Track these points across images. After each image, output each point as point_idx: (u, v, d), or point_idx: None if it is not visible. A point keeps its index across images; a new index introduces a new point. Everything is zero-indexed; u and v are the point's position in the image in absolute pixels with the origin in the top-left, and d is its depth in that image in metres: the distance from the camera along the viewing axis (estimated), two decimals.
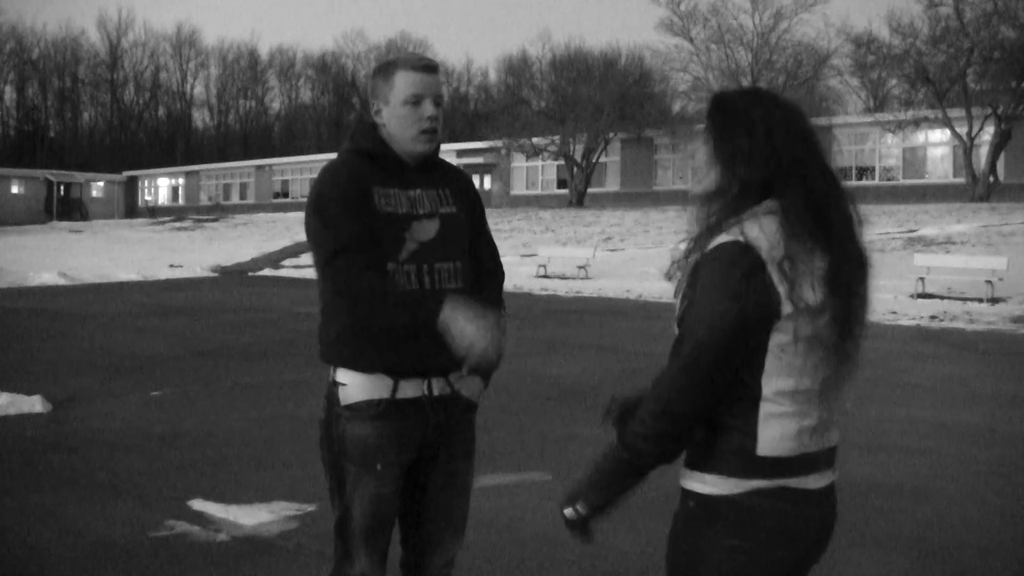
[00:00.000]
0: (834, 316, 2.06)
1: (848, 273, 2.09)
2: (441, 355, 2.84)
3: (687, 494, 2.14)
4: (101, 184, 67.61)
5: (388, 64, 2.97)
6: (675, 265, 2.17)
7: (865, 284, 2.15)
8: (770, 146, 2.08)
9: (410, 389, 2.86)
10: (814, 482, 2.12)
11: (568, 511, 2.16)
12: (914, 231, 26.66)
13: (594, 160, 44.75)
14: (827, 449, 2.16)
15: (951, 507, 5.59)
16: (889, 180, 39.51)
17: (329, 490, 2.97)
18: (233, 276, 27.57)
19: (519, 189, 50.31)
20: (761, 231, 2.04)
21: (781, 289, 2.00)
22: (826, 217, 2.07)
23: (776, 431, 2.06)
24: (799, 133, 2.12)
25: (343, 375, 2.86)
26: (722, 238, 2.05)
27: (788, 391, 2.06)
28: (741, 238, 2.03)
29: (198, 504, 5.55)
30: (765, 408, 2.05)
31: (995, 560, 4.77)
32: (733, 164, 2.11)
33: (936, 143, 38.60)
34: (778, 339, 2.03)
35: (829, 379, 2.10)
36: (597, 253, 24.85)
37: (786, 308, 2.01)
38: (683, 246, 2.16)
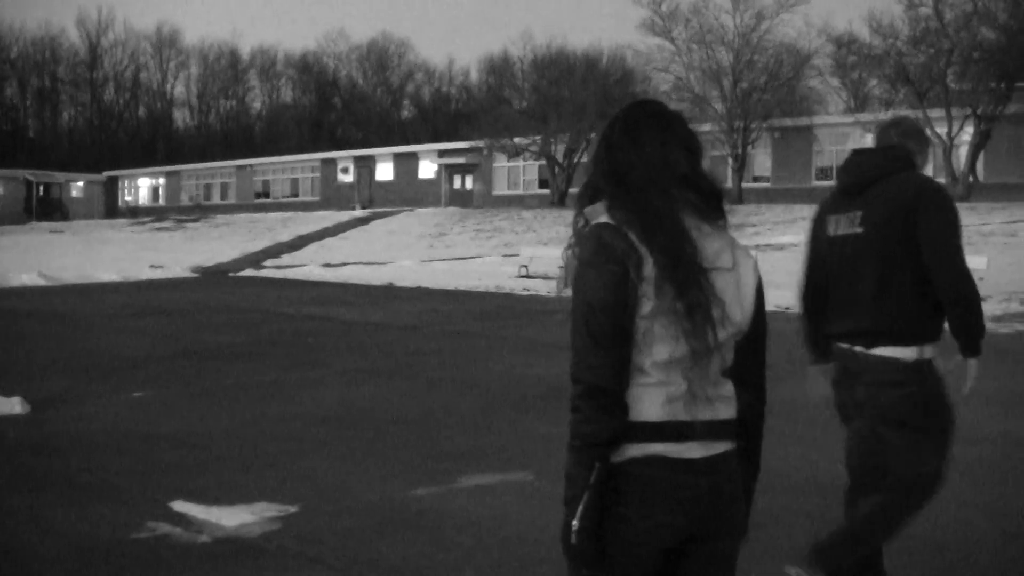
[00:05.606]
0: (678, 293, 2.14)
1: (674, 265, 2.16)
2: None
3: None
4: (81, 184, 67.20)
5: None
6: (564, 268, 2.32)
7: (705, 280, 2.19)
8: (607, 159, 2.30)
9: None
10: (695, 451, 2.19)
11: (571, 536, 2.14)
12: None
13: (576, 160, 44.70)
14: (710, 421, 2.22)
15: (934, 505, 5.58)
16: None
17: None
18: (214, 276, 27.47)
19: (501, 189, 50.29)
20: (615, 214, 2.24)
21: (643, 250, 2.14)
22: (652, 227, 2.19)
23: (645, 399, 2.17)
24: (640, 151, 2.26)
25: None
26: (594, 221, 2.26)
27: (657, 362, 2.17)
28: (602, 220, 2.24)
29: (180, 505, 5.52)
30: (635, 379, 2.18)
31: (980, 558, 4.80)
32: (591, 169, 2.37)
33: None
34: (641, 309, 2.14)
35: (694, 351, 2.17)
36: None
37: (647, 269, 2.14)
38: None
